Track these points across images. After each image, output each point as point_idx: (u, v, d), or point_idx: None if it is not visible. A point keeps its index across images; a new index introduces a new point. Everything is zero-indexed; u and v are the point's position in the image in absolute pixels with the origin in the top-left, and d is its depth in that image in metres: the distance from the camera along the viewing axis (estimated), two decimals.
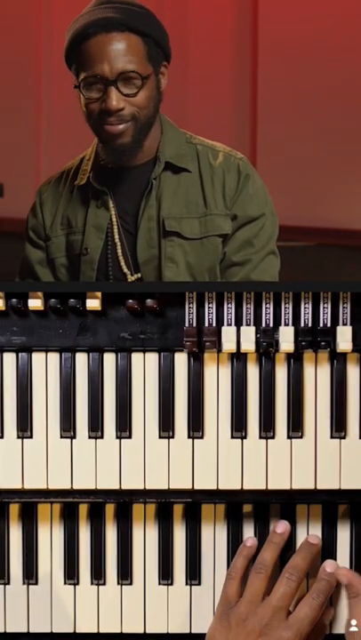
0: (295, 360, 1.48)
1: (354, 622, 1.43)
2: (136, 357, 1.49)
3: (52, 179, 2.14)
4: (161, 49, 1.96)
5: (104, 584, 1.52)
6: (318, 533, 1.50)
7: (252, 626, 1.37)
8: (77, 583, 1.52)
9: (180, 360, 1.48)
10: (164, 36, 1.97)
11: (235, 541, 1.50)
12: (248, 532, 1.51)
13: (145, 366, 1.49)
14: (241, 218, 2.01)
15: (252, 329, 1.47)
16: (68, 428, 1.47)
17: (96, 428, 1.47)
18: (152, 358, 1.49)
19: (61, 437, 1.48)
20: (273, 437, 1.47)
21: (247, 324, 1.47)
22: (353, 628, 1.42)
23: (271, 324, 1.47)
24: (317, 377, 1.48)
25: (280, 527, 1.46)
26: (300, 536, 1.50)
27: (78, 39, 1.90)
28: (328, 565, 1.45)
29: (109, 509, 1.52)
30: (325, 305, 1.47)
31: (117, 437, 1.48)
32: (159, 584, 1.52)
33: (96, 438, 1.48)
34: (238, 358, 1.48)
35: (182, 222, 1.99)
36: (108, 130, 1.93)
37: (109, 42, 1.88)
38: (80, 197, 2.06)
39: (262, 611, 1.38)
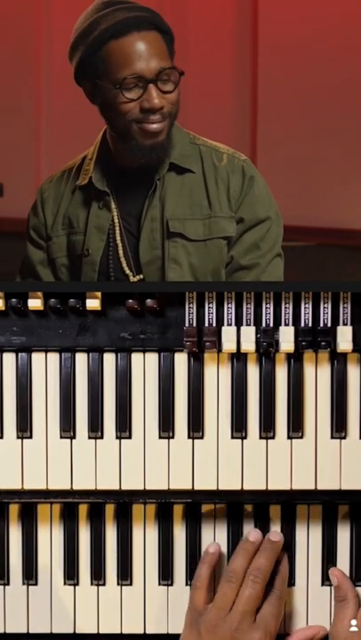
0: (295, 360, 1.47)
1: (354, 622, 1.43)
2: (136, 357, 1.49)
3: (53, 177, 2.13)
4: (172, 47, 1.97)
5: (104, 584, 1.51)
6: (319, 534, 1.50)
7: (221, 633, 1.38)
8: (77, 584, 1.52)
9: (180, 360, 1.48)
10: (172, 35, 1.98)
11: (235, 542, 1.49)
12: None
13: (145, 366, 1.48)
14: (248, 221, 2.00)
15: (253, 329, 1.46)
16: (67, 428, 1.47)
17: (96, 429, 1.47)
18: (152, 358, 1.48)
19: (61, 438, 1.48)
20: (273, 438, 1.47)
21: (247, 324, 1.47)
22: (353, 629, 1.42)
23: (271, 324, 1.47)
24: (318, 377, 1.48)
25: (253, 535, 1.46)
26: (300, 537, 1.50)
27: (106, 38, 1.87)
28: (272, 535, 1.47)
29: (109, 510, 1.52)
30: (326, 305, 1.47)
31: (117, 438, 1.47)
32: (159, 584, 1.51)
33: (96, 438, 1.47)
34: (238, 358, 1.47)
35: (186, 223, 1.98)
36: (149, 129, 1.90)
37: (142, 40, 1.87)
38: (82, 198, 2.05)
39: (231, 617, 1.39)
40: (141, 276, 2.00)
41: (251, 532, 1.47)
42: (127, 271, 2.00)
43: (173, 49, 1.96)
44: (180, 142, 2.03)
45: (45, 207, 2.09)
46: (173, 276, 1.96)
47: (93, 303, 1.46)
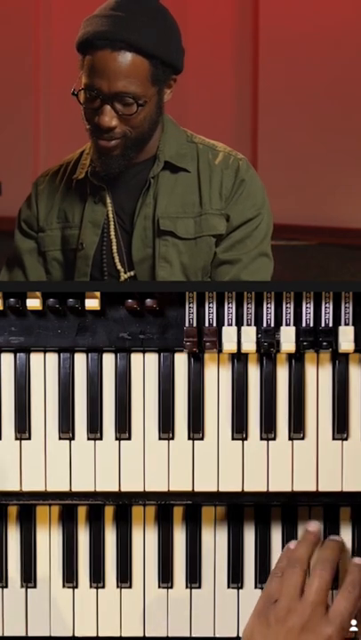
0: (297, 360, 1.46)
1: (354, 622, 1.42)
2: (136, 358, 1.48)
3: (49, 171, 2.13)
4: (170, 67, 1.91)
5: (103, 587, 1.51)
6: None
7: (292, 623, 1.35)
8: (76, 586, 1.51)
9: (180, 360, 1.47)
10: (175, 54, 1.91)
11: (235, 544, 1.49)
12: (249, 535, 1.50)
13: (145, 367, 1.48)
14: (235, 219, 1.99)
15: (253, 329, 1.45)
16: (66, 429, 1.46)
17: (95, 430, 1.46)
18: (152, 359, 1.47)
19: (60, 439, 1.47)
20: (274, 439, 1.46)
21: (248, 324, 1.46)
22: (353, 628, 1.42)
23: (272, 324, 1.46)
24: (319, 377, 1.47)
25: (312, 526, 1.45)
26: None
27: (85, 45, 1.86)
28: (357, 559, 1.43)
29: (109, 512, 1.51)
30: (327, 305, 1.46)
31: (117, 439, 1.46)
32: (159, 587, 1.50)
33: (95, 440, 1.46)
34: (239, 359, 1.46)
35: (177, 222, 1.97)
36: (99, 144, 1.92)
37: (114, 59, 1.82)
38: (78, 192, 2.05)
39: (301, 607, 1.36)
40: (132, 273, 2.00)
41: (310, 522, 1.45)
42: (119, 267, 2.00)
43: (172, 68, 1.91)
44: (177, 141, 2.02)
45: (39, 200, 2.08)
46: (164, 275, 1.96)
47: (92, 303, 1.45)
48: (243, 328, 1.46)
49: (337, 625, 1.34)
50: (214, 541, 1.50)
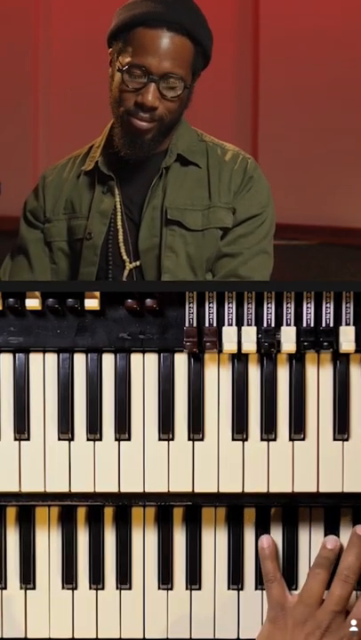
0: (297, 361, 1.46)
1: (354, 622, 1.42)
2: (135, 358, 1.47)
3: (58, 164, 2.15)
4: (205, 57, 1.98)
5: (103, 589, 1.50)
6: (321, 537, 1.48)
7: (311, 628, 1.38)
8: (75, 588, 1.50)
9: (180, 361, 1.47)
10: (211, 45, 1.99)
11: (236, 545, 1.48)
12: (249, 536, 1.49)
13: (144, 367, 1.47)
14: (241, 213, 2.02)
15: (254, 329, 1.45)
16: (66, 429, 1.46)
17: (95, 430, 1.45)
18: (152, 359, 1.47)
19: (59, 439, 1.46)
20: (275, 439, 1.45)
21: (248, 324, 1.45)
22: (353, 628, 1.41)
23: (273, 324, 1.45)
24: (320, 378, 1.46)
25: (330, 543, 1.45)
26: (303, 540, 1.49)
27: (136, 21, 1.88)
28: (328, 542, 1.45)
29: (108, 513, 1.51)
30: (328, 305, 1.45)
31: (116, 439, 1.46)
32: (159, 589, 1.50)
33: (95, 440, 1.46)
34: (239, 359, 1.46)
35: (185, 213, 2.00)
36: (136, 124, 1.93)
37: (166, 39, 1.88)
38: (86, 182, 2.07)
39: (321, 615, 1.39)
40: (138, 263, 2.00)
41: (328, 539, 1.45)
42: (125, 257, 2.01)
43: (203, 63, 1.98)
44: (189, 138, 2.06)
45: (46, 191, 2.10)
46: (169, 265, 1.97)
47: (92, 303, 1.45)
48: (243, 328, 1.45)
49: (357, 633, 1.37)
50: (214, 543, 1.49)
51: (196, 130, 2.09)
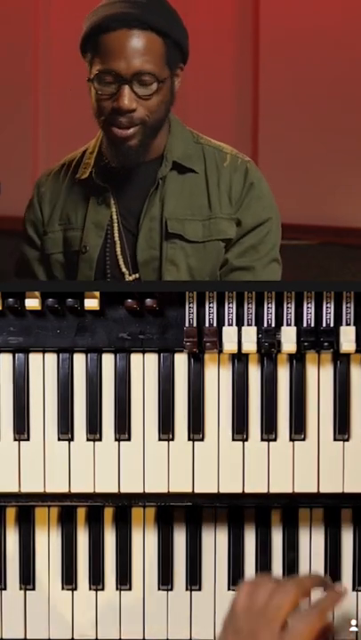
0: (298, 361, 1.45)
1: (354, 622, 1.41)
2: (135, 358, 1.47)
3: (51, 171, 2.10)
4: (180, 50, 1.92)
5: (102, 589, 1.50)
6: (321, 538, 1.48)
7: (245, 637, 1.24)
8: (75, 588, 1.50)
9: (180, 361, 1.46)
10: (183, 37, 1.93)
11: (236, 546, 1.48)
12: (249, 537, 1.49)
13: (144, 367, 1.47)
14: (247, 223, 1.97)
15: (254, 329, 1.44)
16: (65, 430, 1.45)
17: (94, 431, 1.45)
18: (151, 359, 1.47)
19: (59, 440, 1.46)
20: (275, 440, 1.45)
21: (248, 324, 1.45)
22: (353, 628, 1.41)
23: (273, 325, 1.45)
24: (320, 378, 1.46)
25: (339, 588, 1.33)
26: (303, 541, 1.48)
27: (97, 30, 1.86)
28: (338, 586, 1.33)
29: (108, 513, 1.50)
30: (328, 305, 1.45)
31: (116, 440, 1.46)
32: (159, 589, 1.50)
33: (94, 441, 1.46)
34: (239, 359, 1.46)
35: (186, 224, 1.96)
36: (117, 132, 1.89)
37: (129, 38, 1.83)
38: (81, 192, 2.02)
39: (257, 623, 1.24)
40: (137, 275, 1.98)
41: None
42: (123, 269, 1.97)
43: (181, 53, 1.92)
44: (184, 141, 2.00)
45: (42, 202, 2.06)
46: (170, 278, 1.94)
47: (92, 303, 1.44)
48: (243, 328, 1.45)
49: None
50: (215, 543, 1.49)
51: (192, 130, 2.04)
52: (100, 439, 1.46)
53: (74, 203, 2.02)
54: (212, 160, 2.00)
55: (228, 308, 1.45)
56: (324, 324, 1.45)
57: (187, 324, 1.45)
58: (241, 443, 1.45)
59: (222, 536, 1.49)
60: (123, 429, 1.45)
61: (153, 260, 1.96)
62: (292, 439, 1.45)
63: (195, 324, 1.45)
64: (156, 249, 1.95)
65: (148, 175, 1.97)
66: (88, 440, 1.46)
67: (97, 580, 1.49)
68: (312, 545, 1.48)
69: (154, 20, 1.85)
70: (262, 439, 1.45)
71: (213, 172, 1.98)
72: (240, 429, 1.45)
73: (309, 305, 1.45)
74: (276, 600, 1.26)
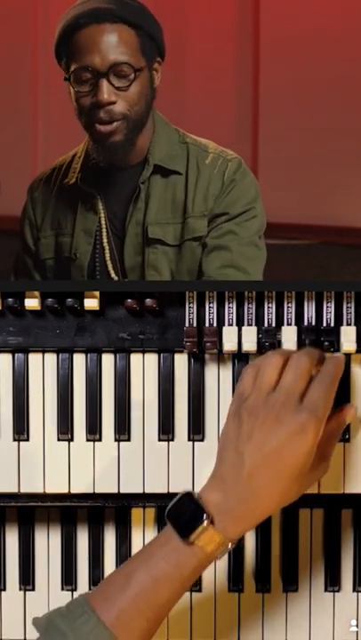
0: None
1: (354, 622, 1.41)
2: (135, 358, 1.46)
3: (43, 175, 2.10)
4: (154, 43, 1.92)
5: None
6: (321, 539, 1.48)
7: (264, 415, 1.24)
8: (75, 589, 1.50)
9: (181, 361, 1.46)
10: (157, 30, 1.94)
11: (236, 548, 1.47)
12: (249, 538, 1.48)
13: (144, 367, 1.46)
14: (227, 214, 1.95)
15: (254, 329, 1.44)
16: (65, 430, 1.45)
17: (94, 431, 1.45)
18: (152, 359, 1.46)
19: (59, 440, 1.46)
20: None
21: (249, 324, 1.45)
22: (353, 629, 1.41)
23: (273, 324, 1.44)
24: None
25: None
26: (303, 541, 1.48)
27: (69, 31, 1.87)
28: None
29: (108, 514, 1.50)
30: (329, 304, 1.44)
31: (116, 440, 1.45)
32: None
33: (94, 441, 1.45)
34: (240, 359, 1.45)
35: (166, 228, 1.94)
36: (100, 129, 1.89)
37: (101, 33, 1.85)
38: (69, 198, 2.02)
39: (273, 397, 1.26)
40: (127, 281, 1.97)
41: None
42: (113, 275, 1.97)
43: (156, 46, 1.92)
44: (168, 142, 1.98)
45: (35, 207, 2.06)
46: None
47: (92, 303, 1.44)
48: (243, 328, 1.44)
49: (311, 411, 1.24)
50: None
51: (178, 129, 2.02)
52: (99, 439, 1.45)
53: (63, 208, 2.02)
54: (194, 159, 1.98)
55: (228, 307, 1.45)
56: (324, 324, 1.44)
57: (187, 324, 1.45)
58: None
59: None
60: (122, 429, 1.45)
61: (139, 266, 1.95)
62: None
63: (195, 324, 1.45)
64: (141, 254, 1.95)
65: (133, 179, 1.96)
66: (88, 440, 1.45)
67: (97, 581, 1.49)
68: (312, 545, 1.48)
69: (123, 12, 1.86)
70: None
71: (194, 172, 1.97)
72: None
73: (310, 305, 1.44)
74: (290, 375, 1.28)
